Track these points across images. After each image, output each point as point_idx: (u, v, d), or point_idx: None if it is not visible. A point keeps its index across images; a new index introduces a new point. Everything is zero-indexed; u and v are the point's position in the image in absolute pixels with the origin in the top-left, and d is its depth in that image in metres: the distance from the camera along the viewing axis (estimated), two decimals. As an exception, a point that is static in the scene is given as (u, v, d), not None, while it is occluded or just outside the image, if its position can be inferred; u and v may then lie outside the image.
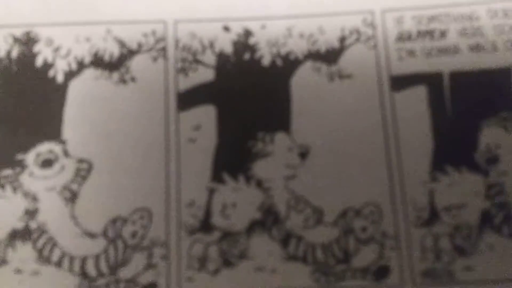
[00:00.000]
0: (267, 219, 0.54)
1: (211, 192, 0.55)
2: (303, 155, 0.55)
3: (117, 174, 0.55)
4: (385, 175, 0.55)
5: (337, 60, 0.58)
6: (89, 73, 0.58)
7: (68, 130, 0.56)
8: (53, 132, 0.56)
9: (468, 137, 0.55)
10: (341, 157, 0.55)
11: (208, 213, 0.54)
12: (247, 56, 0.58)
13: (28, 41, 0.59)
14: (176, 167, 0.55)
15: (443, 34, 0.58)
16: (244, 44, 0.59)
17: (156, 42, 0.59)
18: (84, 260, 0.53)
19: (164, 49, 0.58)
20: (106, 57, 0.58)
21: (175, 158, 0.55)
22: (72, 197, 0.54)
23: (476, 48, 0.58)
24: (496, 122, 0.56)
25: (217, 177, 0.55)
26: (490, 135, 0.55)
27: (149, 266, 0.53)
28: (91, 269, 0.53)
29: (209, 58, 0.58)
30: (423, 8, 0.59)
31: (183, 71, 0.58)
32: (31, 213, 0.54)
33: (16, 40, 0.59)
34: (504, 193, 0.54)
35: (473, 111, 0.56)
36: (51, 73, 0.58)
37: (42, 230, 0.53)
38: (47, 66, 0.58)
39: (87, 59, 0.58)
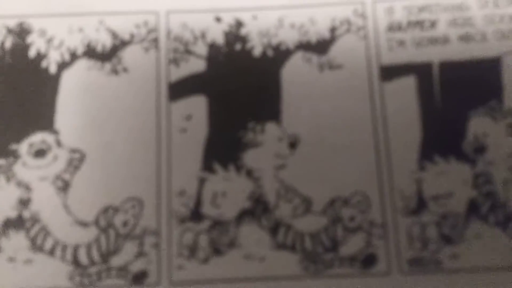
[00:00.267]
0: (257, 208, 0.56)
1: (202, 181, 0.57)
2: (293, 145, 0.58)
3: (109, 164, 0.57)
4: (373, 164, 0.57)
5: (328, 50, 0.60)
6: (82, 64, 0.60)
7: (61, 120, 0.58)
8: (46, 122, 0.58)
9: (456, 126, 0.58)
10: (330, 147, 0.58)
11: (198, 202, 0.57)
12: (238, 46, 0.61)
13: (21, 32, 0.61)
14: (167, 157, 0.57)
15: (433, 24, 0.61)
16: (235, 34, 0.61)
17: (148, 33, 0.61)
18: (76, 248, 0.56)
19: (156, 40, 0.61)
20: (99, 48, 0.60)
21: (166, 148, 0.58)
22: (64, 187, 0.57)
23: (466, 38, 0.60)
24: (484, 112, 0.58)
25: (207, 166, 0.57)
26: (478, 125, 0.58)
27: (140, 254, 0.55)
28: (83, 257, 0.55)
29: (201, 48, 0.61)
30: (413, -2, 0.61)
31: (174, 61, 0.60)
32: (24, 202, 0.56)
33: (9, 31, 0.61)
34: (491, 182, 0.56)
35: (462, 100, 0.58)
36: (44, 63, 0.60)
37: (35, 219, 0.56)
38: (40, 57, 0.60)
39: (80, 50, 0.60)
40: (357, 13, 0.61)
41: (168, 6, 0.62)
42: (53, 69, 0.60)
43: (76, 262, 0.55)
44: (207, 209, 0.56)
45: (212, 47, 0.61)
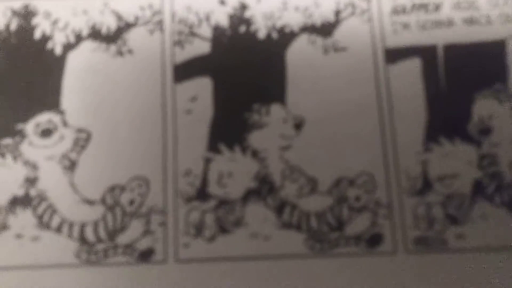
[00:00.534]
0: (263, 188, 0.59)
1: (208, 161, 0.59)
2: (298, 126, 0.60)
3: (115, 143, 0.60)
4: (379, 145, 0.59)
5: (332, 33, 0.62)
6: (87, 46, 0.63)
7: (67, 100, 0.61)
8: (52, 102, 0.61)
9: (461, 108, 0.60)
10: (335, 128, 0.60)
11: (204, 182, 0.59)
12: (242, 29, 0.63)
13: (26, 14, 0.64)
14: (173, 137, 0.60)
15: (437, 7, 0.63)
16: (239, 17, 0.63)
17: (153, 15, 0.63)
18: (83, 226, 0.58)
19: (160, 22, 0.63)
20: (104, 30, 0.63)
21: (172, 129, 0.60)
22: (71, 166, 0.59)
23: (470, 21, 0.62)
24: (490, 94, 0.60)
25: (213, 147, 0.60)
26: (483, 107, 0.60)
27: (147, 232, 0.58)
28: (90, 235, 0.58)
29: (205, 31, 0.63)
30: (418, -19, 0.63)
31: (179, 43, 0.62)
32: (31, 181, 0.59)
33: (15, 13, 0.64)
34: (496, 163, 0.59)
35: (467, 83, 0.60)
36: (49, 45, 0.63)
37: (42, 197, 0.58)
38: (46, 38, 0.63)
39: (85, 32, 0.63)
40: (362, -5, 0.63)
41: (173, -12, 0.64)
42: (58, 50, 0.62)
43: (82, 239, 0.58)
44: (213, 188, 0.59)
45: (217, 29, 0.63)
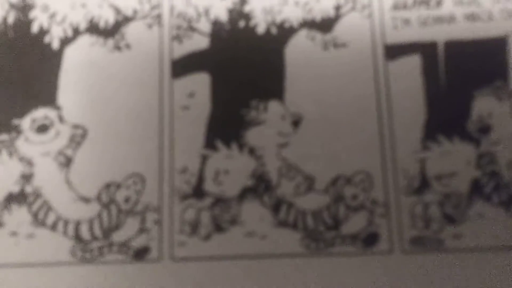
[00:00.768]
0: (259, 186, 0.58)
1: (204, 159, 0.58)
2: (296, 123, 0.59)
3: (111, 140, 0.59)
4: (377, 143, 0.58)
5: (332, 28, 0.61)
6: (85, 40, 0.62)
7: (63, 96, 0.60)
8: (49, 98, 0.60)
9: (461, 106, 0.59)
10: (333, 126, 0.59)
11: (200, 179, 0.58)
12: (242, 24, 0.62)
13: (24, 7, 0.63)
14: (170, 134, 0.59)
15: (439, 3, 0.62)
16: (239, 12, 0.62)
17: (152, 9, 0.62)
18: (78, 223, 0.57)
19: (159, 16, 0.62)
20: (102, 24, 0.62)
21: (169, 125, 0.59)
22: (66, 162, 0.58)
23: (471, 17, 0.61)
24: (489, 92, 0.59)
25: (210, 144, 0.59)
26: (482, 105, 0.59)
27: (142, 230, 0.57)
28: (85, 233, 0.57)
29: (204, 25, 0.62)
30: (419, -24, 0.62)
31: (177, 38, 0.61)
32: (26, 177, 0.58)
33: (12, 6, 0.63)
34: (495, 162, 0.58)
35: (467, 80, 0.59)
36: (46, 39, 0.62)
37: (37, 194, 0.58)
38: (43, 32, 0.62)
39: (83, 26, 0.62)
40: (362, -10, 0.62)
41: (171, -18, 0.63)
42: (55, 44, 0.61)
43: (78, 237, 0.57)
44: (209, 186, 0.58)
45: (216, 24, 0.62)
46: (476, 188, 0.57)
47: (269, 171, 0.58)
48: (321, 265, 0.56)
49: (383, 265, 0.56)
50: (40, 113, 0.59)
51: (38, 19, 0.62)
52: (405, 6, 0.61)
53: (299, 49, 0.61)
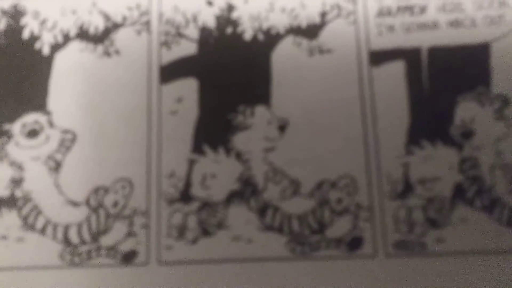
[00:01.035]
0: (245, 190, 0.58)
1: (192, 163, 0.58)
2: (282, 128, 0.59)
3: (100, 145, 0.58)
4: (361, 148, 0.58)
5: (318, 35, 0.61)
6: (75, 46, 0.61)
7: (54, 101, 0.60)
8: (39, 103, 0.60)
9: (444, 111, 0.58)
10: (319, 130, 0.59)
11: (188, 184, 0.58)
12: (229, 30, 0.61)
13: (15, 14, 0.62)
14: (158, 139, 0.59)
15: (422, 9, 0.61)
16: (226, 18, 0.62)
17: (140, 16, 0.62)
18: (67, 227, 0.57)
19: (148, 23, 0.62)
20: (91, 30, 0.62)
21: (157, 130, 0.59)
22: (56, 167, 0.58)
23: (455, 23, 0.61)
24: (472, 97, 0.58)
25: (197, 148, 0.58)
26: (465, 110, 0.58)
27: (130, 234, 0.57)
28: (73, 237, 0.57)
29: (192, 32, 0.62)
30: (404, -17, 0.62)
31: (166, 44, 0.61)
32: (16, 182, 0.58)
33: (3, 12, 0.63)
34: (477, 167, 0.57)
35: (450, 86, 0.59)
36: (37, 45, 0.61)
37: (27, 198, 0.57)
38: (34, 38, 0.62)
39: (73, 32, 0.62)
40: (348, -3, 0.61)
41: (160, -11, 0.62)
42: (46, 50, 0.61)
43: (66, 241, 0.57)
44: (196, 190, 0.58)
45: (204, 30, 0.62)
46: (458, 192, 0.57)
47: (256, 175, 0.58)
48: (307, 268, 0.56)
49: (367, 268, 0.56)
50: (31, 118, 0.59)
51: (29, 25, 0.62)
52: (389, 13, 0.61)
53: (286, 55, 0.60)
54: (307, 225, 0.57)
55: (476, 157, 0.57)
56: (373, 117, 0.58)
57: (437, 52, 0.60)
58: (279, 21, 0.61)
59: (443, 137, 0.58)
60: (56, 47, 0.61)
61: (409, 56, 0.60)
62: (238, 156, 0.58)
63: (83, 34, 0.61)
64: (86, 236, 0.57)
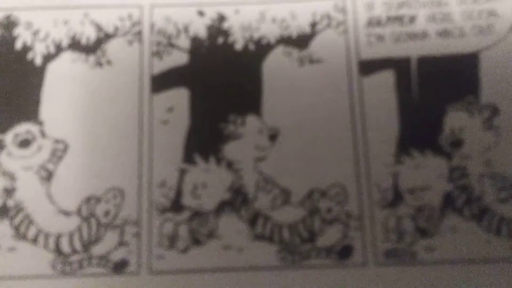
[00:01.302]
0: (236, 200, 0.57)
1: (183, 172, 0.58)
2: (273, 137, 0.59)
3: (91, 155, 0.58)
4: (351, 157, 0.58)
5: (308, 45, 0.61)
6: (67, 56, 0.61)
7: (46, 111, 0.59)
8: (31, 113, 0.59)
9: (433, 121, 0.58)
10: (309, 140, 0.58)
11: (179, 193, 0.57)
12: (220, 40, 0.61)
13: (8, 25, 0.62)
14: (149, 148, 0.58)
15: (412, 19, 0.61)
16: (218, 28, 0.62)
17: (132, 26, 0.62)
18: (58, 237, 0.56)
19: (139, 33, 0.61)
20: (83, 41, 0.61)
21: (148, 139, 0.58)
22: (48, 176, 0.57)
23: (444, 33, 0.61)
24: (461, 107, 0.58)
25: (188, 158, 0.58)
26: (454, 119, 0.58)
27: (121, 243, 0.56)
28: (65, 246, 0.56)
29: (184, 42, 0.61)
30: (393, -7, 0.61)
31: (157, 54, 0.61)
32: (8, 192, 0.57)
33: (-4, 23, 0.62)
34: (466, 176, 0.57)
35: (439, 95, 0.59)
36: (30, 56, 0.61)
37: (19, 208, 0.57)
38: (26, 49, 0.61)
39: (65, 42, 0.61)
40: (338, 8, 0.62)
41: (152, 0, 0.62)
42: (38, 61, 0.61)
43: (58, 250, 0.56)
44: (187, 200, 0.57)
45: (195, 40, 0.61)
46: (448, 201, 0.57)
47: (246, 185, 0.58)
48: (297, 277, 0.55)
49: (357, 277, 0.55)
50: (23, 128, 0.59)
51: (22, 36, 0.61)
52: (379, 23, 0.61)
53: (276, 65, 0.60)
54: (297, 234, 0.56)
55: (465, 166, 0.57)
56: (363, 126, 0.58)
57: (426, 62, 0.60)
58: (269, 31, 0.61)
59: (433, 146, 0.58)
60: (48, 58, 0.61)
61: (399, 65, 0.60)
62: (229, 165, 0.58)
63: (75, 45, 0.61)
64: (78, 245, 0.56)
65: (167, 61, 0.61)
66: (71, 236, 0.56)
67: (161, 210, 0.57)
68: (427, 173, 0.57)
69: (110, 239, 0.56)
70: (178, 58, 0.61)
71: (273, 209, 0.57)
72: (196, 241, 0.56)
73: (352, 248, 0.56)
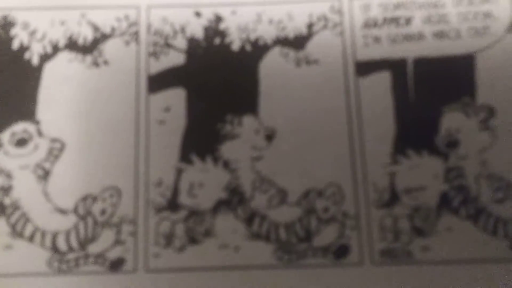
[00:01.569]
0: (233, 199, 0.57)
1: (179, 172, 0.58)
2: (270, 137, 0.59)
3: (88, 154, 0.58)
4: (347, 157, 0.58)
5: (305, 46, 0.61)
6: (64, 56, 0.61)
7: (42, 111, 0.59)
8: (28, 112, 0.59)
9: (429, 121, 0.59)
10: (305, 140, 0.59)
11: (175, 192, 0.58)
12: (217, 41, 0.62)
13: (5, 25, 0.62)
14: (145, 148, 0.58)
15: (408, 21, 0.62)
16: (214, 29, 0.62)
17: (129, 27, 0.62)
18: (55, 235, 0.57)
19: (136, 34, 0.62)
20: (80, 41, 0.61)
21: (145, 139, 0.59)
22: (44, 175, 0.58)
23: (440, 35, 0.61)
24: (457, 107, 0.59)
25: (185, 158, 0.58)
26: (451, 120, 0.59)
27: (118, 242, 0.56)
28: (61, 244, 0.56)
29: (180, 42, 0.62)
30: (389, -5, 0.62)
31: (154, 54, 0.61)
32: (5, 190, 0.57)
33: (-6, 23, 0.62)
34: (462, 176, 0.57)
35: (435, 96, 0.59)
36: (27, 55, 0.61)
37: (15, 206, 0.57)
38: (23, 49, 0.61)
39: (62, 43, 0.61)
40: (334, 9, 0.62)
41: (149, 0, 0.63)
42: (35, 61, 0.61)
43: (55, 248, 0.56)
44: (184, 199, 0.57)
45: (192, 41, 0.62)
46: (444, 201, 0.57)
47: (243, 184, 0.58)
48: (293, 276, 0.56)
49: (353, 276, 0.56)
50: (20, 127, 0.59)
51: (19, 36, 0.62)
52: (375, 24, 0.61)
53: (273, 66, 0.60)
54: (294, 234, 0.57)
55: (461, 167, 0.58)
56: (359, 127, 0.59)
57: (422, 63, 0.60)
58: (266, 32, 0.61)
59: (429, 147, 0.58)
60: (45, 58, 0.61)
61: (395, 66, 0.60)
62: (226, 165, 0.58)
63: (72, 45, 0.61)
64: (74, 243, 0.56)
65: (164, 62, 0.61)
66: (67, 234, 0.56)
67: (158, 209, 0.57)
68: (423, 173, 0.57)
69: (106, 237, 0.56)
70: (175, 58, 0.61)
71: (270, 208, 0.57)
72: (193, 240, 0.56)
73: (349, 248, 0.56)
